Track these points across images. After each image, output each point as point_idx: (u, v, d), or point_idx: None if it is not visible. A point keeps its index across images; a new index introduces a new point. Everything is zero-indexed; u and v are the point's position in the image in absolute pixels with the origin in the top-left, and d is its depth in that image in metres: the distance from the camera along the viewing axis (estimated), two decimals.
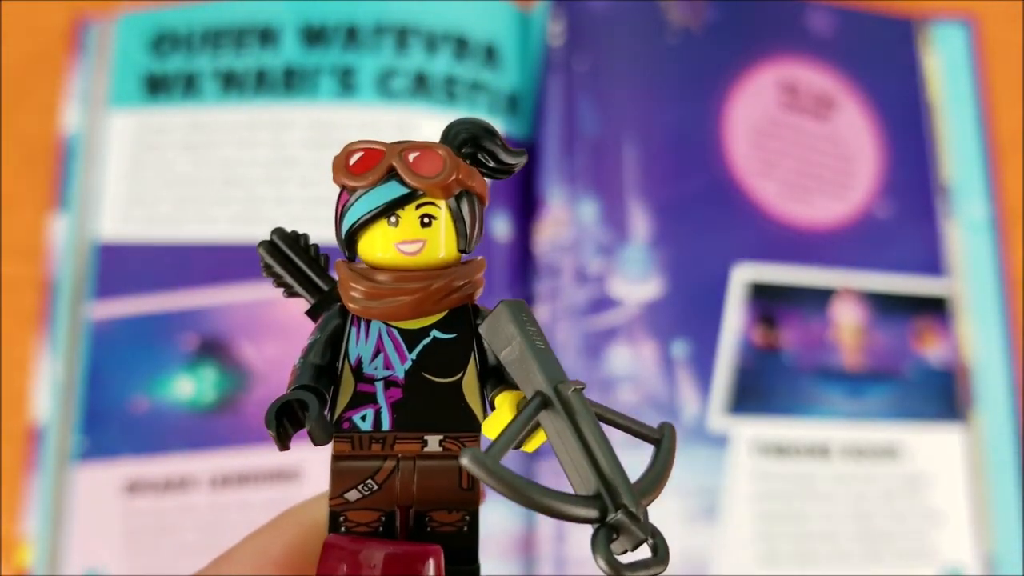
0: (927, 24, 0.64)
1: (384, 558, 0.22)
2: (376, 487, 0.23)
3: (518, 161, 0.24)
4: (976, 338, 0.58)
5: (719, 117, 0.59)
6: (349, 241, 0.23)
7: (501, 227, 0.55)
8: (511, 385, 0.23)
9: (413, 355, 0.23)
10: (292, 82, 0.57)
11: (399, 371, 0.23)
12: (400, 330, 0.23)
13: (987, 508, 0.55)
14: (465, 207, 0.23)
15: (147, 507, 0.51)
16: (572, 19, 0.58)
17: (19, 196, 0.57)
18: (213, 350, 0.53)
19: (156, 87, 0.57)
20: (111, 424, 0.52)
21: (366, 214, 0.23)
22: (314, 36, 0.57)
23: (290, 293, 0.25)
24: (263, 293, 0.53)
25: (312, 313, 0.25)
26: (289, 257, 0.25)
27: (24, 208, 0.57)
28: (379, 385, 0.23)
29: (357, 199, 0.23)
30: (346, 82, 0.57)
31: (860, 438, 0.55)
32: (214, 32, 0.58)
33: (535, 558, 0.51)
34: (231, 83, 0.57)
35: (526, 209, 0.56)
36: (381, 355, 0.23)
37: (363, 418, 0.23)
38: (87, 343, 0.53)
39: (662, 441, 0.22)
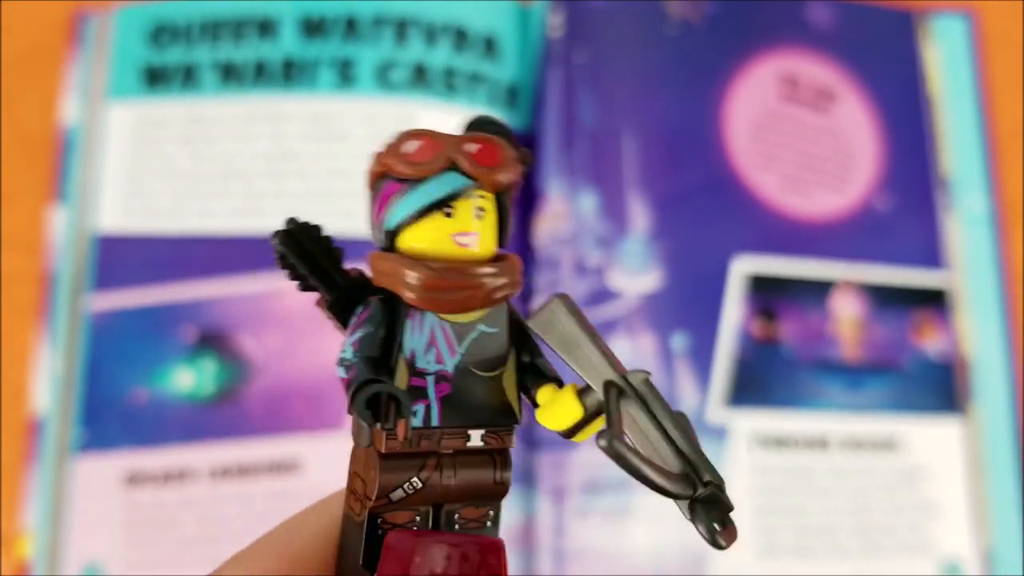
0: (927, 17, 0.63)
1: (457, 554, 0.22)
2: (420, 485, 0.23)
3: (530, 161, 0.25)
4: (975, 331, 0.58)
5: (719, 110, 0.59)
6: (394, 231, 0.23)
7: None
8: (551, 379, 0.24)
9: (462, 348, 0.23)
10: (291, 74, 0.57)
11: (448, 365, 0.23)
12: (452, 324, 0.23)
13: (986, 501, 0.55)
14: (508, 201, 0.24)
15: (147, 499, 0.51)
16: (572, 11, 0.58)
17: (18, 189, 0.57)
18: (213, 342, 0.53)
19: (155, 79, 0.57)
20: (111, 416, 0.52)
21: (426, 204, 0.22)
22: (313, 28, 0.57)
23: (305, 286, 0.24)
24: (263, 285, 0.53)
25: (332, 308, 0.24)
26: (304, 248, 0.24)
27: (23, 201, 0.57)
28: (430, 380, 0.23)
29: (413, 189, 0.23)
30: (345, 74, 0.56)
31: (859, 431, 0.56)
32: (213, 24, 0.58)
33: (534, 550, 0.51)
34: (230, 75, 0.57)
35: (525, 202, 0.56)
36: (433, 349, 0.23)
37: (414, 414, 0.23)
38: (86, 335, 0.53)
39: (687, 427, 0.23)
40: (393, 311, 0.23)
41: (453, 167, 0.23)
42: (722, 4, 0.61)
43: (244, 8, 0.58)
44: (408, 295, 0.22)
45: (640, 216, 0.56)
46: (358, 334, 0.23)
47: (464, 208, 0.23)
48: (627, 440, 0.21)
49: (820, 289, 0.57)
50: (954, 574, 0.54)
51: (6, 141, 0.58)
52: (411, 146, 0.23)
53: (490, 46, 0.58)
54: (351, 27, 0.57)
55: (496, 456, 0.24)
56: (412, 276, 0.22)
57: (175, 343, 0.53)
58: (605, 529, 0.51)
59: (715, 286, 0.56)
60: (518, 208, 0.56)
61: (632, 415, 0.22)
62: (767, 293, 0.56)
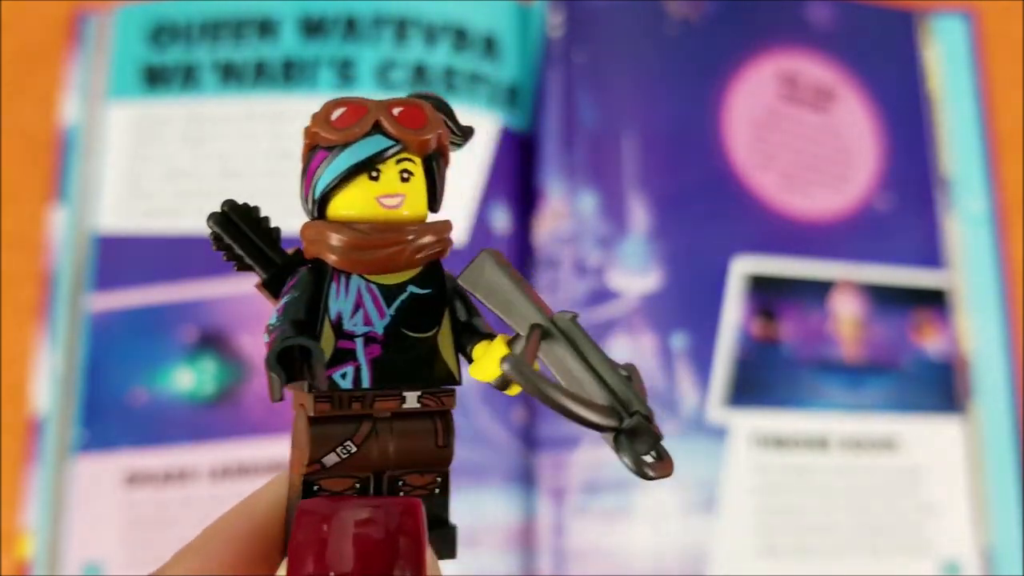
0: (927, 16, 0.63)
1: (368, 514, 0.22)
2: (355, 449, 0.23)
3: (471, 135, 0.25)
4: (975, 331, 0.58)
5: (718, 109, 0.59)
6: (322, 200, 0.23)
7: (500, 219, 0.55)
8: (487, 336, 0.24)
9: (392, 310, 0.23)
10: (291, 74, 0.57)
11: (378, 327, 0.23)
12: (379, 285, 0.23)
13: (985, 500, 0.55)
14: (437, 166, 0.24)
15: (147, 499, 0.51)
16: (571, 11, 0.58)
17: (18, 188, 0.57)
18: (212, 342, 0.53)
19: (155, 79, 0.57)
20: (111, 416, 0.52)
21: (351, 166, 0.23)
22: (313, 28, 0.57)
23: (241, 266, 0.24)
24: None
25: (267, 287, 0.24)
26: (241, 230, 0.24)
27: (23, 200, 0.57)
28: (359, 342, 0.23)
29: (339, 154, 0.23)
30: (345, 74, 0.56)
31: (859, 430, 0.56)
32: (213, 24, 0.58)
33: (534, 550, 0.51)
34: (230, 75, 0.57)
35: (525, 201, 0.56)
36: (361, 311, 0.23)
37: (343, 376, 0.23)
38: (86, 335, 0.53)
39: (631, 378, 0.23)
40: (320, 276, 0.23)
41: (377, 130, 0.23)
42: (722, 3, 0.61)
43: (244, 8, 0.58)
44: (331, 257, 0.23)
45: (640, 216, 0.56)
46: (283, 300, 0.23)
47: (390, 171, 0.23)
48: (540, 370, 0.21)
49: (820, 289, 0.57)
50: (954, 574, 0.54)
51: (6, 140, 0.58)
52: (336, 113, 0.23)
53: (490, 46, 0.58)
54: (351, 27, 0.57)
55: (437, 419, 0.24)
56: (335, 238, 0.23)
57: (175, 343, 0.53)
58: (605, 529, 0.51)
59: (715, 286, 0.56)
60: (518, 207, 0.56)
61: (558, 355, 0.22)
62: (767, 293, 0.56)
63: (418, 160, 0.23)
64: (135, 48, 0.58)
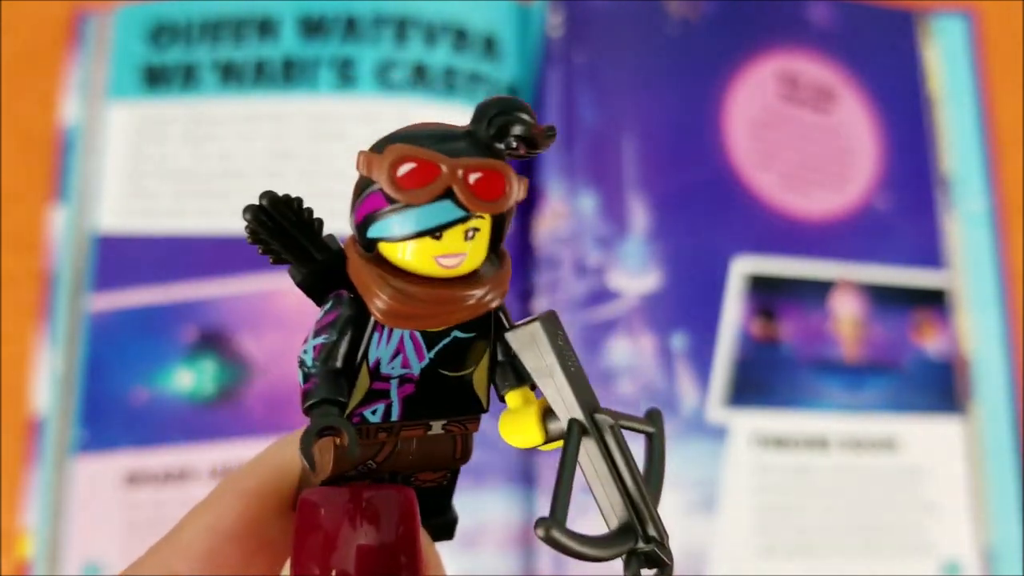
0: (927, 16, 0.63)
1: (367, 506, 0.22)
2: (375, 466, 0.24)
3: (549, 141, 0.23)
4: (975, 330, 0.58)
5: (718, 109, 0.59)
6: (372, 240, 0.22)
7: None
8: (523, 378, 0.23)
9: (431, 354, 0.22)
10: (291, 74, 0.57)
11: (415, 369, 0.23)
12: (423, 332, 0.22)
13: (985, 500, 0.55)
14: (506, 215, 0.22)
15: (147, 499, 0.51)
16: (572, 11, 0.58)
17: (18, 188, 0.57)
18: (213, 342, 0.53)
19: (155, 79, 0.57)
20: (111, 416, 0.52)
21: (415, 234, 0.21)
22: (313, 28, 0.57)
23: (278, 260, 0.23)
24: (263, 285, 0.53)
25: (307, 286, 0.23)
26: (278, 223, 0.22)
27: (23, 200, 0.57)
28: (394, 383, 0.23)
29: (400, 211, 0.21)
30: (345, 74, 0.56)
31: (859, 430, 0.56)
32: (213, 24, 0.58)
33: (534, 550, 0.51)
34: (230, 75, 0.57)
35: (525, 201, 0.56)
36: (400, 356, 0.22)
37: (373, 412, 0.23)
38: (86, 335, 0.53)
39: (655, 436, 0.23)
40: (361, 314, 0.22)
41: (447, 194, 0.21)
42: (722, 3, 0.61)
43: (244, 8, 0.58)
44: (376, 315, 0.22)
45: (640, 216, 0.56)
46: (321, 339, 0.22)
47: (455, 232, 0.21)
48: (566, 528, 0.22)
49: (820, 289, 0.57)
50: (954, 574, 0.54)
51: (6, 141, 0.58)
52: (403, 169, 0.20)
53: (490, 46, 0.58)
54: (351, 27, 0.57)
55: (459, 437, 0.24)
56: (381, 298, 0.21)
57: (175, 343, 0.53)
58: (605, 528, 0.51)
59: (715, 286, 0.56)
60: (517, 207, 0.56)
61: (590, 455, 0.22)
62: (767, 293, 0.56)
63: (487, 216, 0.21)
64: (135, 48, 0.58)
